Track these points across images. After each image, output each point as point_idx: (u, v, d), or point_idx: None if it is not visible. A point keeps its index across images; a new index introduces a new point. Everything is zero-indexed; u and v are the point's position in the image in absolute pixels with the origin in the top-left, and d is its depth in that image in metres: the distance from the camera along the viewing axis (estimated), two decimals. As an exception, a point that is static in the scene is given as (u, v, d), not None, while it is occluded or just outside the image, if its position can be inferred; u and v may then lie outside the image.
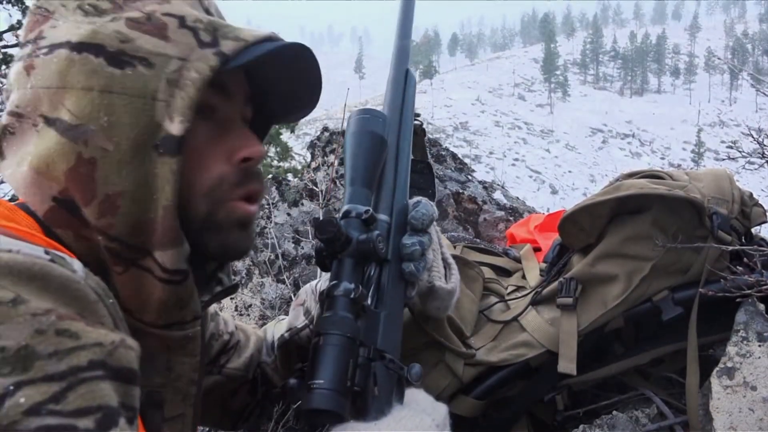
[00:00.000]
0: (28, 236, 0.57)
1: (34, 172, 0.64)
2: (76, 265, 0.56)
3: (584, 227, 1.23)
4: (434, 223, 0.97)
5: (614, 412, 1.19)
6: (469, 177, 2.45)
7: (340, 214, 0.87)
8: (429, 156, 1.21)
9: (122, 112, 0.64)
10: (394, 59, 1.08)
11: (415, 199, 0.97)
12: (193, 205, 0.69)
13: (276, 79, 0.79)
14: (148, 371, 0.69)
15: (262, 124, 0.85)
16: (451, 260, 1.03)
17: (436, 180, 1.20)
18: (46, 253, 0.53)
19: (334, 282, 0.80)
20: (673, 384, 1.28)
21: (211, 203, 0.70)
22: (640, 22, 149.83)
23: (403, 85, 1.06)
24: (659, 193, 1.15)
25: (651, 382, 1.29)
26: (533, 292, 1.28)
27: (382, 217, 0.91)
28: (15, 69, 0.67)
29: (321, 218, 0.81)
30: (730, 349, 1.10)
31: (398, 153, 0.98)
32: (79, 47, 0.64)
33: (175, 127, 0.64)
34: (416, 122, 1.09)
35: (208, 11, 0.73)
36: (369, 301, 0.84)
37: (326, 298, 0.79)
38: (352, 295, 0.78)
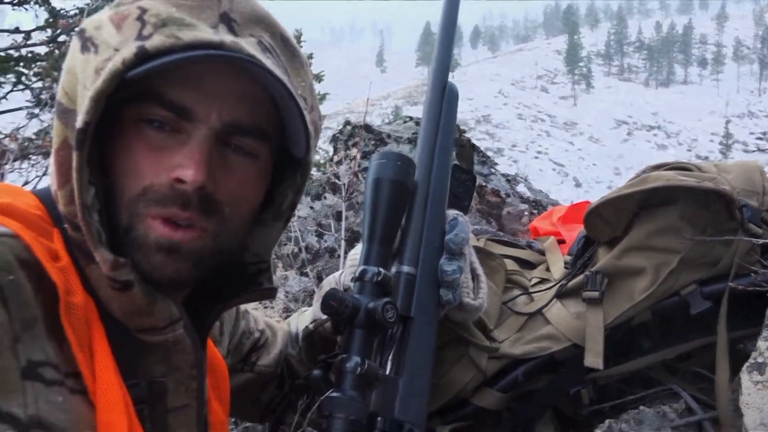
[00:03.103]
0: None
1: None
2: None
3: (609, 220, 1.22)
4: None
5: (641, 407, 1.17)
6: (492, 170, 2.44)
7: (357, 275, 0.85)
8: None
9: (74, 95, 0.65)
10: (431, 75, 1.02)
11: (451, 216, 0.94)
12: (118, 213, 0.66)
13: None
14: (147, 361, 0.70)
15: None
16: (480, 271, 0.99)
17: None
18: None
19: (342, 356, 0.79)
20: (701, 379, 1.26)
21: (130, 215, 0.66)
22: (666, 12, 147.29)
23: (439, 105, 0.99)
24: (688, 184, 1.12)
25: (679, 377, 1.28)
26: (558, 285, 1.27)
27: (406, 269, 0.88)
28: None
29: (327, 291, 0.79)
30: (761, 344, 1.08)
31: (430, 183, 0.94)
32: (79, 31, 0.66)
33: (79, 118, 0.61)
34: (465, 137, 1.05)
35: (225, 16, 0.67)
36: (389, 365, 0.82)
37: (335, 372, 0.78)
38: (358, 371, 0.76)
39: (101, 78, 0.60)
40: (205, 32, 0.63)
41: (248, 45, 0.66)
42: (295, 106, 0.68)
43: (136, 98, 0.65)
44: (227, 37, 0.64)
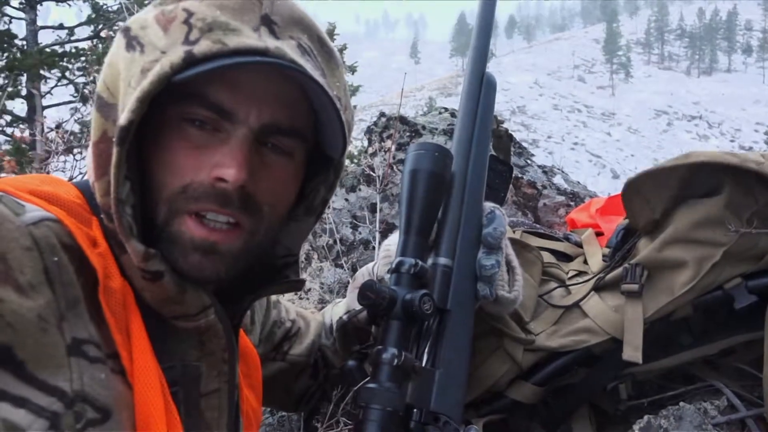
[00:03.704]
0: (16, 196, 0.61)
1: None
2: (36, 213, 0.60)
3: (650, 199, 1.17)
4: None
5: (681, 403, 1.15)
6: (528, 161, 2.41)
7: (393, 266, 0.85)
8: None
9: (116, 90, 0.66)
10: (469, 64, 1.00)
11: (488, 209, 0.94)
12: (156, 208, 0.68)
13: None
14: (183, 346, 0.72)
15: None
16: (515, 263, 0.99)
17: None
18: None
19: (379, 347, 0.79)
20: (744, 376, 1.23)
21: (169, 210, 0.68)
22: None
23: (477, 95, 0.98)
24: (731, 162, 1.08)
25: (721, 374, 1.24)
26: (596, 278, 1.25)
27: (442, 261, 0.88)
28: None
29: (363, 282, 0.79)
30: (809, 340, 1.04)
31: (468, 174, 0.93)
32: (124, 29, 0.68)
33: (123, 116, 0.62)
34: (503, 127, 1.04)
35: (267, 18, 0.68)
36: (425, 357, 0.82)
37: (372, 363, 0.78)
38: (395, 363, 0.76)
39: (148, 79, 0.61)
40: (249, 38, 0.65)
41: (289, 48, 0.67)
42: (333, 111, 0.69)
43: (179, 98, 0.66)
44: (270, 42, 0.66)
